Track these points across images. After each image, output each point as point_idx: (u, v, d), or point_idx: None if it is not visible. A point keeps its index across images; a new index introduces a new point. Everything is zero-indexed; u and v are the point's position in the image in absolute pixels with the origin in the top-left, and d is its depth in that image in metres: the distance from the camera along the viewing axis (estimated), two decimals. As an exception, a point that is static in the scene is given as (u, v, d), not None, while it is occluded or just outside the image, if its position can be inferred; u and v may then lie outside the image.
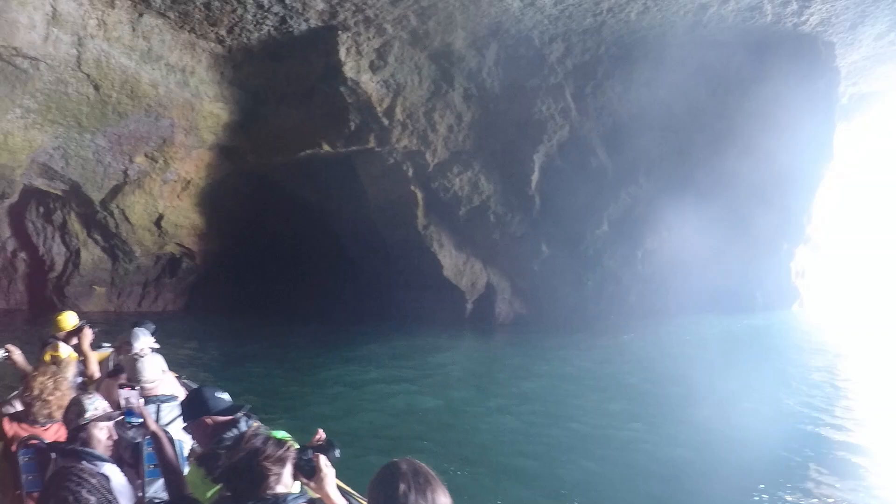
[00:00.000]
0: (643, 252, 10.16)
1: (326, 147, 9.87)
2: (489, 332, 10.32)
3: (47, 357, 3.38)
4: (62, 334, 3.51)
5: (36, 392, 2.23)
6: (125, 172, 10.23)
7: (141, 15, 8.19)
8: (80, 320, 3.61)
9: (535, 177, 9.96)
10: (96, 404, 1.96)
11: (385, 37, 8.67)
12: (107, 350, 3.89)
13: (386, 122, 9.39)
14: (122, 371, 2.68)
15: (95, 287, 11.75)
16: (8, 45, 7.61)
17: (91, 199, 10.36)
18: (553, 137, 9.83)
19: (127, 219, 10.77)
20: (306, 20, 8.36)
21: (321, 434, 1.76)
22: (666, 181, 9.73)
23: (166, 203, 10.98)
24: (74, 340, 3.41)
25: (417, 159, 9.96)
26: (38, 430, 2.18)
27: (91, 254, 11.39)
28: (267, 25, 8.48)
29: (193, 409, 1.90)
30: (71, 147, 9.69)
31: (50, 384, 2.25)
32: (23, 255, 11.58)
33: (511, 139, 9.82)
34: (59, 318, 3.68)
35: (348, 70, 8.89)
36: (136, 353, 2.79)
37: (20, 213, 11.17)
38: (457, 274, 10.75)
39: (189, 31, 8.65)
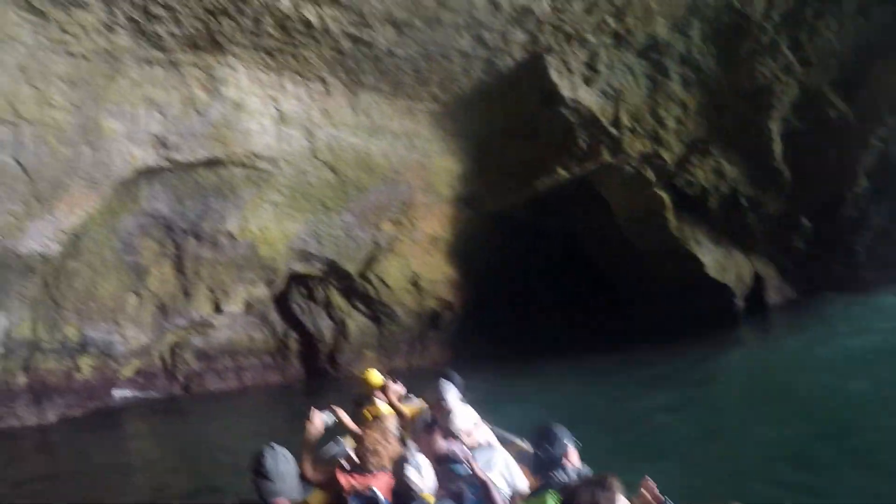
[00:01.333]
0: (912, 198, 9.02)
1: (562, 172, 9.85)
2: (770, 324, 9.80)
3: (367, 415, 3.44)
4: (373, 391, 3.64)
5: (370, 447, 2.39)
6: (375, 241, 10.89)
7: (357, 95, 8.73)
8: (384, 376, 3.72)
9: (776, 147, 9.22)
10: (419, 460, 2.16)
11: (589, 47, 8.54)
12: (416, 403, 3.88)
13: (614, 131, 9.19)
14: (437, 423, 2.73)
15: (365, 351, 12.40)
16: (248, 151, 8.46)
17: (348, 272, 11.05)
18: (783, 99, 9.06)
19: (385, 284, 11.44)
20: (511, 55, 8.45)
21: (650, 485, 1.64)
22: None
23: (419, 262, 11.57)
24: (383, 396, 3.55)
25: (654, 160, 9.63)
26: (368, 479, 2.33)
27: (356, 322, 12.11)
28: (475, 71, 8.67)
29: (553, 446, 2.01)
30: (322, 229, 10.60)
31: (381, 438, 2.43)
32: (293, 334, 12.35)
33: (742, 113, 9.19)
34: (367, 376, 3.77)
35: (564, 90, 8.83)
36: (448, 405, 2.77)
37: (285, 297, 11.99)
38: (720, 270, 10.16)
39: (404, 98, 9.09)
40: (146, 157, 8.30)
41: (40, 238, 8.23)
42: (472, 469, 2.19)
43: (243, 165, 9.13)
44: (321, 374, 12.18)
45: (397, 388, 3.71)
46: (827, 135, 9.29)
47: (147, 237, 9.27)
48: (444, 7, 6.63)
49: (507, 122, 10.00)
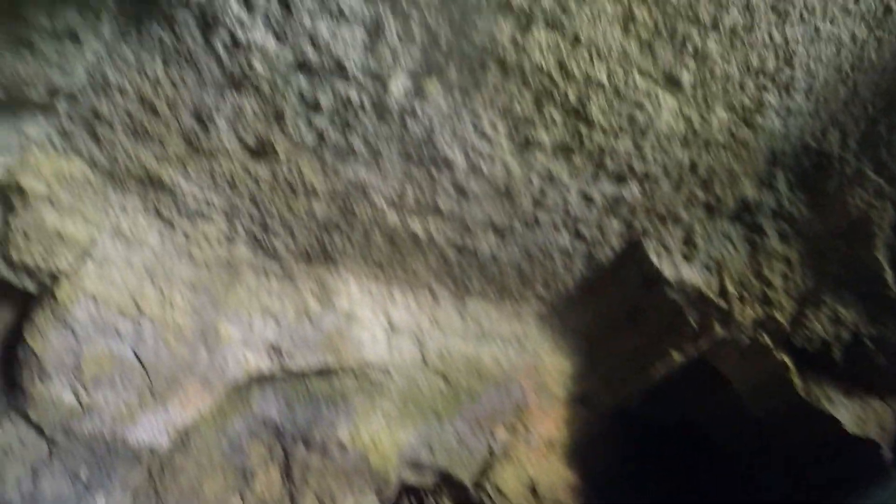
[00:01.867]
0: None
1: (675, 355, 9.27)
2: None
3: None
4: None
5: None
6: (489, 448, 10.47)
7: (465, 302, 8.90)
8: None
9: (888, 275, 8.23)
10: None
11: (684, 223, 8.44)
12: None
13: (722, 303, 8.70)
14: None
15: None
16: (359, 361, 8.62)
17: (462, 481, 10.71)
18: (882, 224, 8.20)
19: (501, 492, 10.84)
20: (609, 245, 8.45)
21: None
22: None
23: (535, 467, 10.83)
24: None
25: (768, 324, 8.92)
26: None
27: None
28: (576, 267, 8.70)
29: None
30: (434, 438, 10.22)
31: None
32: None
33: (845, 251, 8.46)
34: None
35: (666, 271, 8.63)
36: None
37: None
38: (860, 423, 8.75)
39: (510, 301, 9.17)
40: (260, 363, 8.64)
41: (151, 430, 8.44)
42: None
43: (355, 375, 9.29)
44: None
45: None
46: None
47: (256, 441, 9.62)
48: (540, 207, 6.87)
49: (614, 312, 9.75)
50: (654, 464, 11.32)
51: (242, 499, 8.22)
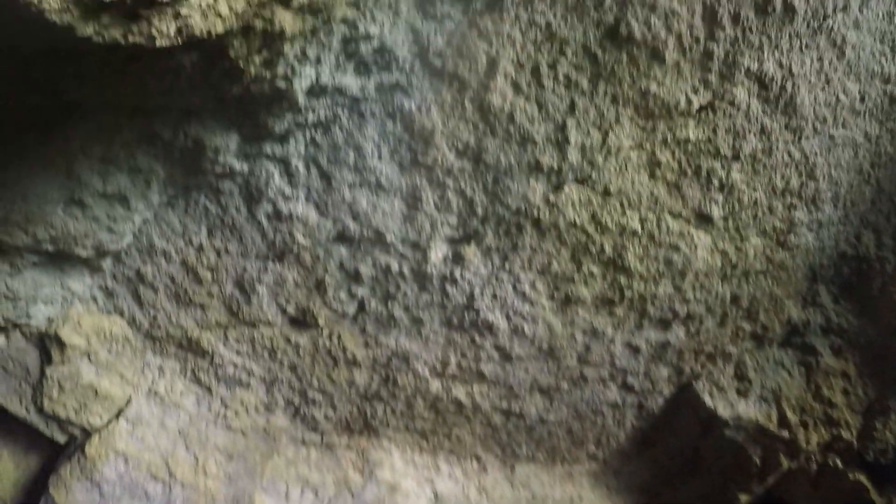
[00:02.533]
0: None
1: (744, 497, 8.43)
2: None
3: None
4: None
5: None
6: None
7: (513, 468, 8.40)
8: None
9: None
10: None
11: (733, 358, 7.99)
12: None
13: (785, 433, 7.99)
14: None
15: None
16: (401, 517, 8.10)
17: None
18: None
19: None
20: (659, 393, 8.00)
21: None
22: None
23: None
24: None
25: (837, 445, 8.20)
26: None
27: None
28: (627, 419, 8.22)
29: None
30: None
31: None
32: None
33: None
34: None
35: (722, 411, 8.06)
36: None
37: None
38: None
39: (561, 463, 8.65)
40: None
41: None
42: None
43: None
44: None
45: None
46: None
47: None
48: (586, 363, 6.57)
49: (672, 462, 9.10)
50: None
51: None
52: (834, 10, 2.94)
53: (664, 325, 5.00)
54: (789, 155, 3.41)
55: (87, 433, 2.97)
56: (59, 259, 2.65)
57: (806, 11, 2.82)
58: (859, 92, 3.31)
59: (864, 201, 5.35)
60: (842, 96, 3.27)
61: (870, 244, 8.00)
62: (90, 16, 1.63)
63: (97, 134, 2.38)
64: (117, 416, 3.04)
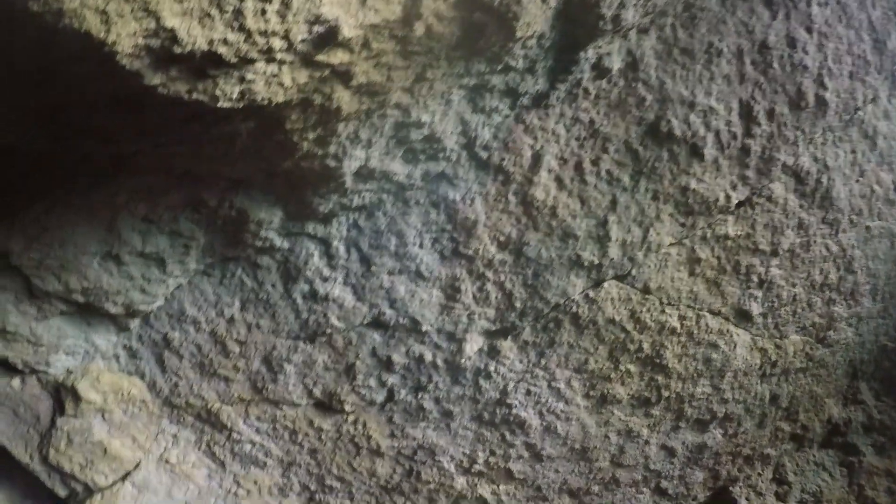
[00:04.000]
0: None
1: None
2: None
3: None
4: None
5: None
6: None
7: None
8: None
9: None
10: None
11: (772, 461, 7.71)
12: None
13: None
14: None
15: None
16: None
17: None
18: None
19: None
20: (695, 499, 7.63)
21: None
22: None
23: None
24: None
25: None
26: None
27: None
28: None
29: None
30: None
31: None
32: None
33: None
34: None
35: None
36: None
37: None
38: None
39: None
40: None
41: None
42: None
43: None
44: None
45: None
46: None
47: None
48: (619, 466, 6.27)
49: None
50: None
51: None
52: (864, 102, 2.97)
53: (701, 426, 4.85)
54: (827, 248, 3.42)
55: (89, 491, 2.95)
56: (88, 312, 2.66)
57: (837, 105, 2.86)
58: (893, 182, 3.34)
59: None
60: (876, 187, 3.29)
61: None
62: (160, 65, 1.67)
63: (145, 192, 2.42)
64: (123, 478, 3.01)
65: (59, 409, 2.86)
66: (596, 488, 5.65)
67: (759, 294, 3.26)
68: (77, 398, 2.83)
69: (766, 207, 2.98)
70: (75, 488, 2.98)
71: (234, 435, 3.10)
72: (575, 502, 5.79)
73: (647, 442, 4.94)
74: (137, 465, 3.09)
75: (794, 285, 3.42)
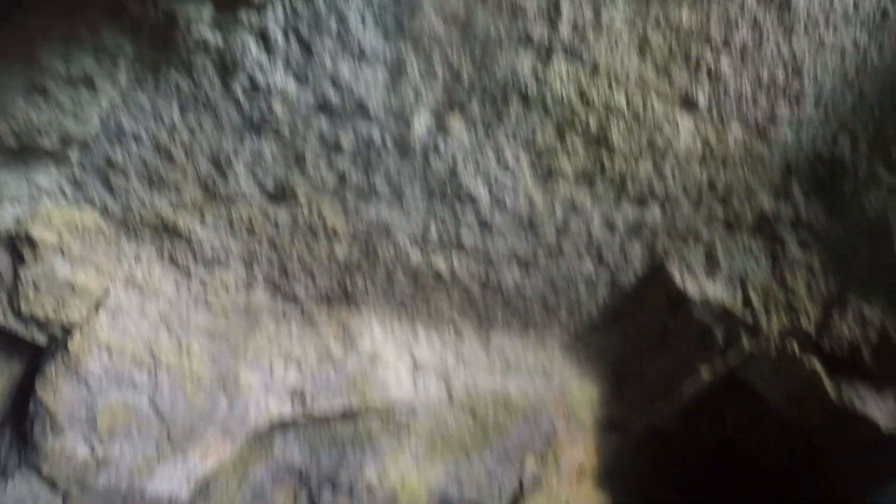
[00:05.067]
0: None
1: (705, 372, 9.19)
2: None
3: None
4: None
5: None
6: (520, 480, 10.24)
7: (489, 336, 8.74)
8: None
9: None
10: None
11: (705, 241, 8.34)
12: None
13: (749, 316, 8.62)
14: None
15: None
16: (385, 402, 8.40)
17: None
18: None
19: None
20: (633, 268, 8.30)
21: None
22: None
23: (567, 496, 10.61)
24: None
25: (796, 333, 8.90)
26: None
27: None
28: (600, 292, 8.56)
29: None
30: (462, 474, 9.96)
31: None
32: None
33: (864, 250, 8.44)
34: None
35: (691, 290, 8.54)
36: None
37: None
38: (893, 420, 8.66)
39: (535, 332, 9.01)
40: (282, 409, 8.43)
41: (170, 482, 8.22)
42: None
43: (380, 416, 9.08)
44: None
45: None
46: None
47: (280, 487, 9.36)
48: (564, 237, 6.77)
49: (640, 336, 9.70)
50: (687, 484, 11.13)
51: (267, 553, 8.00)
52: None
53: (641, 203, 5.16)
54: (778, 50, 3.47)
55: (67, 331, 2.97)
56: (23, 154, 2.59)
57: None
58: (853, 2, 3.45)
59: (845, 107, 5.54)
60: (836, 2, 3.37)
61: (846, 148, 8.29)
62: None
63: (57, 11, 2.29)
64: (97, 308, 3.03)
65: (18, 260, 2.83)
66: (542, 257, 6.09)
67: (707, 84, 3.32)
68: (33, 244, 2.79)
69: (722, 1, 3.00)
70: (54, 332, 3.03)
71: (194, 240, 3.15)
72: (522, 270, 6.26)
73: (590, 216, 5.26)
74: (107, 293, 3.14)
75: (741, 80, 3.50)
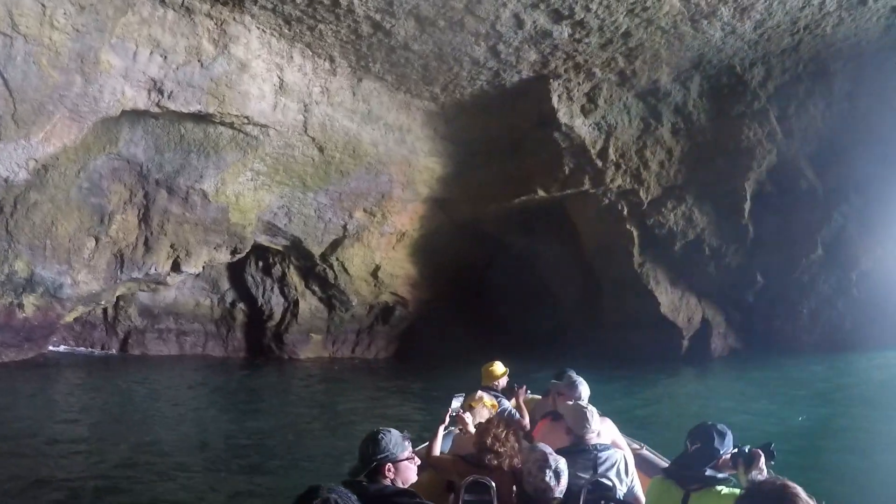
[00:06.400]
0: (858, 274, 9.39)
1: (541, 192, 10.08)
2: (708, 368, 10.34)
3: (475, 404, 3.19)
4: (494, 383, 3.61)
5: (490, 444, 2.38)
6: (345, 227, 11.21)
7: (360, 80, 8.68)
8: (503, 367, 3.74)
9: (746, 205, 9.72)
10: (559, 465, 2.08)
11: (595, 81, 8.71)
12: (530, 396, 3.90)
13: (600, 163, 9.48)
14: (561, 417, 2.76)
15: (312, 335, 12.65)
16: (241, 114, 8.27)
17: (311, 252, 11.25)
18: (762, 163, 9.52)
19: (346, 270, 11.79)
20: (519, 72, 8.41)
21: None
22: (877, 195, 9.59)
23: (383, 254, 11.62)
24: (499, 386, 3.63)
25: (631, 197, 10.01)
26: (485, 473, 2.30)
27: (308, 304, 12.26)
28: (480, 80, 8.76)
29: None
30: (294, 205, 10.54)
31: (502, 438, 2.40)
32: (241, 305, 12.40)
33: (721, 169, 9.66)
34: (491, 368, 3.71)
35: (562, 116, 9.03)
36: (580, 403, 2.69)
37: (240, 267, 12.12)
38: (673, 310, 10.58)
39: (405, 92, 9.05)
40: (137, 98, 7.81)
41: (9, 162, 7.77)
42: None
43: (233, 127, 8.92)
44: (264, 351, 12.21)
45: (522, 392, 3.61)
46: (795, 202, 9.99)
47: (117, 181, 8.90)
48: (470, 13, 6.52)
49: (499, 135, 10.33)
50: (488, 277, 12.26)
51: (97, 241, 7.80)
52: None
53: (557, 17, 5.11)
54: None
55: None
56: None
57: None
58: None
59: (778, 45, 7.31)
60: None
61: (756, 77, 10.39)
62: None
63: None
64: None
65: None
66: (442, 23, 5.89)
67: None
68: None
69: None
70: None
71: None
72: (418, 27, 6.02)
73: (504, 4, 5.04)
74: None
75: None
